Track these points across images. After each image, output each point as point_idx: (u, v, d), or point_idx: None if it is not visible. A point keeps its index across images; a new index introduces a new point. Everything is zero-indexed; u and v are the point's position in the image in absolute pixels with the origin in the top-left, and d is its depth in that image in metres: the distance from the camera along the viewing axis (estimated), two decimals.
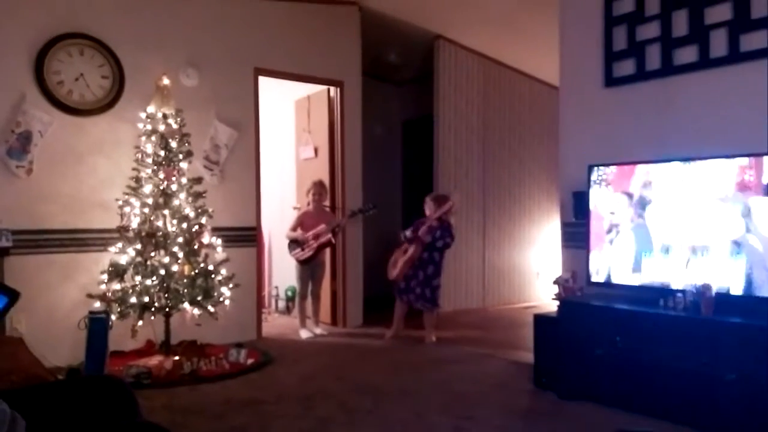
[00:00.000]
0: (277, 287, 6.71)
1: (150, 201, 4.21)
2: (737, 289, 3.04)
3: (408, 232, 5.22)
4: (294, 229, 5.39)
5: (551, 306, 4.12)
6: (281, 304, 6.65)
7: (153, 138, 4.27)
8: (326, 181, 5.70)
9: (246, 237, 5.19)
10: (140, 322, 4.10)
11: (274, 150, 6.62)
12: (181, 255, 4.20)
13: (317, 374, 4.12)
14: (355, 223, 5.79)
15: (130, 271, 4.15)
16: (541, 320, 3.80)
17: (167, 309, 4.19)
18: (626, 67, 3.85)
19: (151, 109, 4.32)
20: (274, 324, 5.98)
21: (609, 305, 3.39)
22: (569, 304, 3.66)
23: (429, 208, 5.22)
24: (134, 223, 4.20)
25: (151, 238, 4.17)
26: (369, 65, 6.31)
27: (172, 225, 4.22)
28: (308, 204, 5.52)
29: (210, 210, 4.43)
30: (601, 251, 3.66)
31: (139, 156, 4.29)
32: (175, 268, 4.16)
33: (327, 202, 5.66)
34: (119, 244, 4.19)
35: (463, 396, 3.61)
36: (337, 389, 3.74)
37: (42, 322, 4.19)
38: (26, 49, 4.25)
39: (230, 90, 5.11)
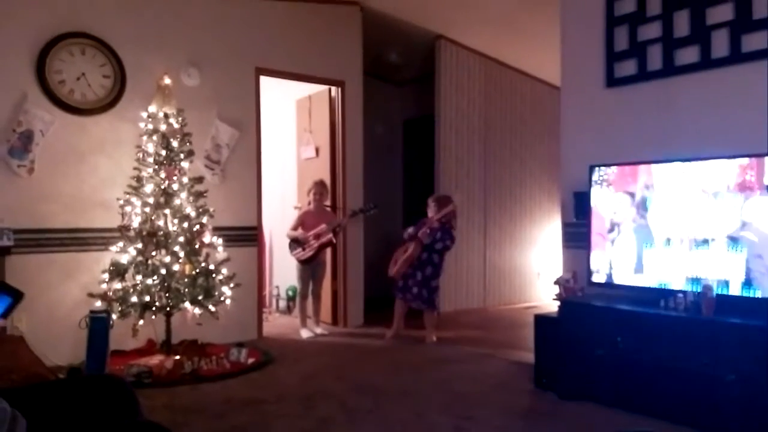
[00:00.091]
0: (278, 287, 6.71)
1: (151, 200, 4.21)
2: (738, 290, 3.04)
3: (411, 230, 5.22)
4: (295, 228, 5.39)
5: (552, 306, 4.11)
6: (282, 303, 6.65)
7: (154, 137, 4.28)
8: (327, 180, 5.70)
9: (247, 236, 5.19)
10: (141, 322, 4.10)
11: (276, 150, 6.62)
12: (182, 254, 4.20)
13: (318, 374, 4.12)
14: (356, 223, 5.79)
15: (131, 271, 4.16)
16: (542, 320, 3.79)
17: (168, 308, 4.19)
18: (627, 67, 3.85)
19: (152, 108, 4.32)
20: (275, 324, 5.98)
21: (610, 306, 3.39)
22: (570, 304, 3.66)
23: (431, 209, 5.22)
24: (135, 222, 4.20)
25: (152, 238, 4.17)
26: (370, 65, 6.31)
27: (173, 224, 4.23)
28: (309, 203, 5.52)
29: (211, 209, 4.43)
30: (602, 251, 3.66)
31: (141, 155, 4.29)
32: (176, 267, 4.16)
33: (328, 202, 5.67)
34: (120, 244, 4.19)
35: (463, 396, 3.61)
36: (337, 389, 3.74)
37: (43, 320, 4.19)
38: (28, 49, 4.25)
39: (231, 89, 5.12)
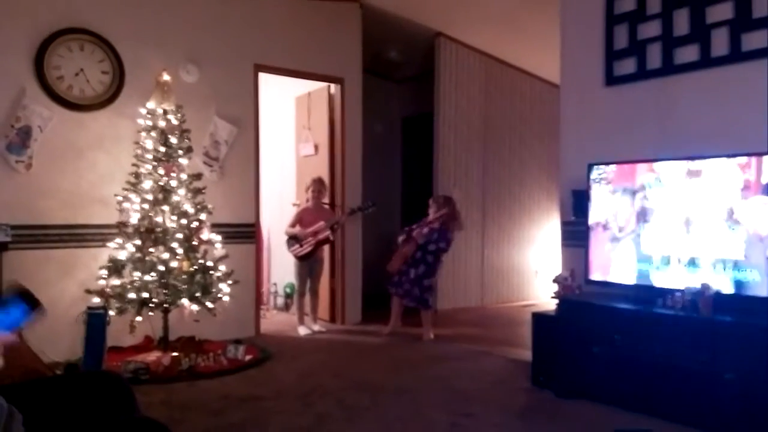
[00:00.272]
0: (275, 284, 6.71)
1: (149, 197, 4.20)
2: (736, 288, 3.04)
3: (414, 227, 5.24)
4: (293, 225, 5.39)
5: (550, 304, 4.12)
6: (280, 300, 6.65)
7: (153, 134, 4.27)
8: (326, 178, 5.70)
9: (245, 233, 5.19)
10: (138, 318, 4.10)
11: (274, 147, 6.62)
12: (180, 251, 4.20)
13: (315, 371, 4.12)
14: (355, 221, 5.79)
15: (129, 267, 4.15)
16: (540, 318, 3.80)
17: (166, 305, 4.19)
18: (627, 65, 3.85)
19: (151, 104, 4.31)
20: (273, 321, 5.98)
21: (608, 304, 3.39)
22: (568, 302, 3.66)
23: (431, 209, 5.24)
24: (133, 218, 4.19)
25: (150, 234, 4.17)
26: (370, 62, 6.30)
27: (172, 221, 4.22)
28: (306, 201, 5.52)
29: (209, 206, 4.43)
30: (600, 250, 3.66)
31: (139, 152, 4.29)
32: (173, 264, 4.16)
33: (326, 199, 5.66)
34: (118, 240, 4.19)
35: (461, 393, 3.62)
36: (335, 386, 3.74)
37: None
38: (26, 44, 4.24)
39: (230, 86, 5.11)
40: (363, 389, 3.68)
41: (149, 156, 4.26)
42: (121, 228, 4.20)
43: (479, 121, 6.83)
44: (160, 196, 4.23)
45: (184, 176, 4.33)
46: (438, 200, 5.32)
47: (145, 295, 4.09)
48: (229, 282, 4.41)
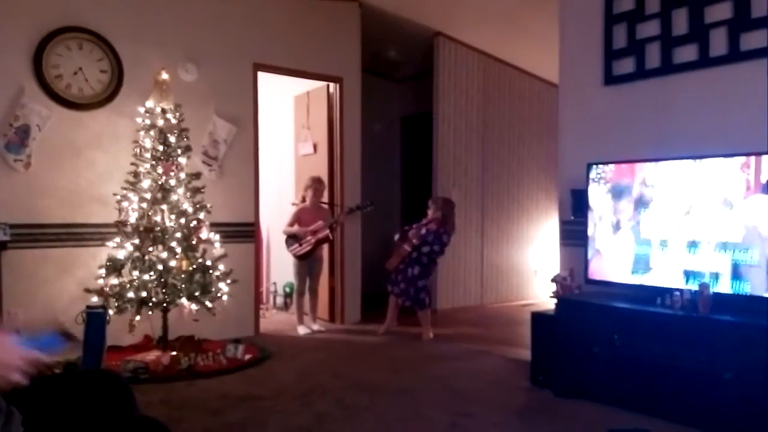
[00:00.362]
0: (275, 283, 6.71)
1: (148, 196, 4.20)
2: (735, 288, 3.05)
3: (413, 227, 5.24)
4: (291, 225, 5.38)
5: (549, 304, 4.12)
6: (279, 300, 6.65)
7: (152, 133, 4.27)
8: (325, 177, 5.70)
9: (244, 233, 5.18)
10: (138, 317, 4.09)
11: (273, 146, 6.61)
12: (179, 250, 4.20)
13: (314, 370, 4.12)
14: (354, 220, 5.79)
15: (128, 266, 4.15)
16: (539, 318, 3.80)
17: (165, 304, 4.18)
18: (626, 65, 3.85)
19: (149, 103, 4.31)
20: (272, 320, 5.98)
21: (606, 303, 3.39)
22: (567, 302, 3.66)
23: (430, 209, 5.24)
24: (132, 217, 4.19)
25: (149, 233, 4.16)
26: (369, 61, 6.30)
27: (170, 220, 4.22)
28: (303, 199, 5.52)
29: (208, 205, 4.42)
30: (599, 249, 3.66)
31: (138, 151, 4.28)
32: (173, 263, 4.16)
33: (325, 198, 5.66)
34: (117, 239, 4.19)
35: (460, 393, 3.62)
36: (334, 385, 3.74)
37: (39, 316, 4.18)
38: (25, 43, 4.24)
39: (229, 85, 5.10)
40: (362, 389, 3.68)
41: (148, 155, 4.26)
42: (119, 227, 4.20)
43: (478, 121, 6.83)
44: (159, 195, 4.22)
45: (182, 175, 4.33)
46: (437, 201, 5.32)
47: (144, 294, 4.09)
48: (228, 281, 4.40)
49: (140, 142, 4.29)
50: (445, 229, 5.17)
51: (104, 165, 4.51)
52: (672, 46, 3.61)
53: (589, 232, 3.71)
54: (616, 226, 3.57)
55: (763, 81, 3.19)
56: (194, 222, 4.32)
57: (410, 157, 7.70)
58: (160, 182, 4.22)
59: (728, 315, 2.93)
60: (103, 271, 4.11)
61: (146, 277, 4.11)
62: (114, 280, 4.10)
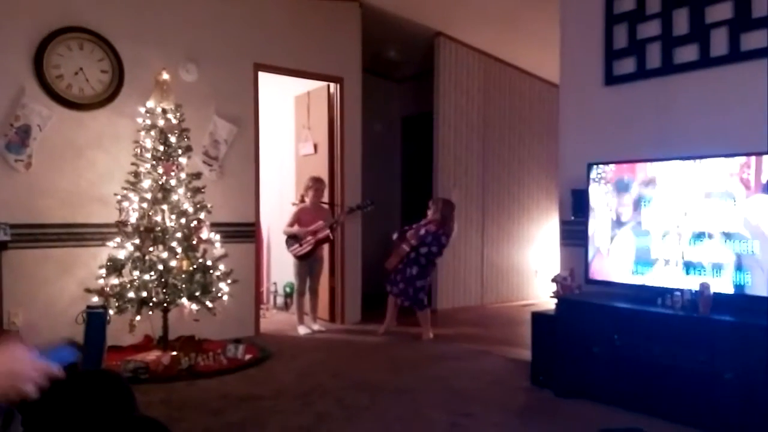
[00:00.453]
0: (275, 283, 6.71)
1: (149, 196, 4.20)
2: (735, 288, 3.05)
3: (412, 227, 5.24)
4: (291, 225, 5.38)
5: (549, 304, 4.12)
6: (279, 300, 6.65)
7: (152, 133, 4.27)
8: (325, 177, 5.70)
9: (245, 233, 5.18)
10: (138, 317, 4.09)
11: (274, 146, 6.61)
12: (179, 250, 4.20)
13: (315, 370, 4.12)
14: (354, 220, 5.79)
15: (129, 266, 4.15)
16: (539, 318, 3.80)
17: (165, 304, 4.18)
18: (626, 65, 3.85)
19: (150, 103, 4.31)
20: (272, 320, 5.98)
21: (607, 303, 3.39)
22: (567, 302, 3.66)
23: (430, 210, 5.24)
24: (133, 217, 4.19)
25: (149, 233, 4.16)
26: (369, 62, 6.30)
27: (171, 220, 4.22)
28: (301, 199, 5.52)
29: (209, 205, 4.42)
30: (599, 249, 3.66)
31: (138, 151, 4.28)
32: (173, 263, 4.16)
33: (326, 198, 5.66)
34: (117, 239, 4.19)
35: (460, 393, 3.62)
36: (334, 385, 3.74)
37: (40, 316, 4.19)
38: (26, 43, 4.24)
39: (230, 85, 5.10)
40: (362, 389, 3.68)
41: (148, 155, 4.26)
42: (120, 227, 4.20)
43: (479, 121, 6.83)
44: (160, 195, 4.22)
45: (183, 175, 4.33)
46: (437, 202, 5.32)
47: (145, 294, 4.09)
48: (229, 281, 4.40)
49: (141, 142, 4.29)
50: (443, 231, 5.16)
51: (105, 165, 4.51)
52: (672, 46, 3.61)
53: (590, 232, 3.71)
54: (617, 226, 3.57)
55: (763, 81, 3.19)
56: (195, 222, 4.32)
57: (410, 157, 7.70)
58: (160, 182, 4.22)
59: (728, 315, 2.93)
60: (103, 271, 4.11)
61: (147, 277, 4.11)
62: (114, 280, 4.10)
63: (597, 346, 3.37)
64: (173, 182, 4.25)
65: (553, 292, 3.89)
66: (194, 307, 4.24)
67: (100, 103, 4.50)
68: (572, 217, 4.01)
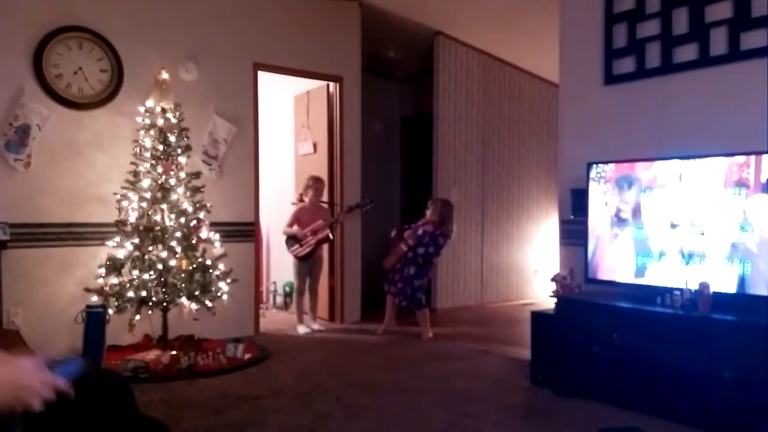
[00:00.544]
0: (275, 282, 6.71)
1: (148, 195, 4.20)
2: (734, 287, 3.05)
3: (410, 227, 5.24)
4: (290, 225, 5.38)
5: (549, 303, 4.11)
6: (279, 299, 6.65)
7: (152, 132, 4.26)
8: (325, 176, 5.70)
9: (244, 232, 5.18)
10: (137, 317, 4.09)
11: (273, 145, 6.61)
12: (179, 249, 4.19)
13: (314, 370, 4.12)
14: (353, 219, 5.79)
15: (128, 266, 4.15)
16: (539, 317, 3.80)
17: (165, 303, 4.18)
18: (626, 64, 3.85)
19: (149, 103, 4.31)
20: (272, 319, 5.98)
21: (606, 303, 3.39)
22: (567, 301, 3.66)
23: (429, 210, 5.23)
24: (132, 217, 4.19)
25: (148, 233, 4.16)
26: (369, 61, 6.29)
27: (170, 219, 4.22)
28: (300, 199, 5.51)
29: (208, 205, 4.42)
30: (599, 248, 3.66)
31: (138, 150, 4.28)
32: (172, 262, 4.15)
33: (325, 197, 5.66)
34: (117, 238, 4.19)
35: (460, 392, 3.62)
36: (334, 385, 3.74)
37: (39, 315, 4.19)
38: (25, 42, 4.23)
39: (229, 85, 5.10)
40: (362, 388, 3.68)
41: (148, 154, 4.25)
42: (119, 226, 4.20)
43: (478, 120, 6.83)
44: (159, 194, 4.22)
45: (182, 175, 4.32)
46: (436, 203, 5.31)
47: (144, 293, 4.08)
48: (228, 280, 4.40)
49: (140, 141, 4.28)
50: (441, 231, 5.16)
51: (104, 164, 4.51)
52: (672, 45, 3.61)
53: (589, 232, 3.70)
54: (616, 225, 3.57)
55: (763, 80, 3.19)
56: (194, 221, 4.31)
57: (410, 157, 7.70)
58: (160, 182, 4.22)
59: (728, 314, 2.93)
60: (102, 271, 4.11)
61: (146, 276, 4.11)
62: (114, 280, 4.10)
63: (597, 345, 3.37)
64: (173, 181, 4.25)
65: (553, 292, 3.89)
66: (194, 306, 4.24)
67: (99, 103, 4.50)
68: (572, 217, 4.01)
